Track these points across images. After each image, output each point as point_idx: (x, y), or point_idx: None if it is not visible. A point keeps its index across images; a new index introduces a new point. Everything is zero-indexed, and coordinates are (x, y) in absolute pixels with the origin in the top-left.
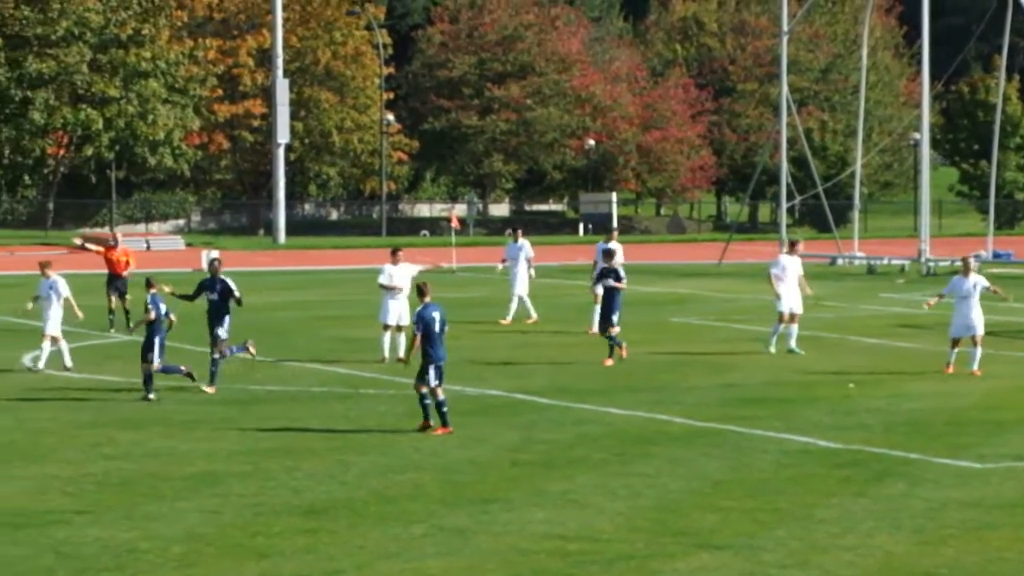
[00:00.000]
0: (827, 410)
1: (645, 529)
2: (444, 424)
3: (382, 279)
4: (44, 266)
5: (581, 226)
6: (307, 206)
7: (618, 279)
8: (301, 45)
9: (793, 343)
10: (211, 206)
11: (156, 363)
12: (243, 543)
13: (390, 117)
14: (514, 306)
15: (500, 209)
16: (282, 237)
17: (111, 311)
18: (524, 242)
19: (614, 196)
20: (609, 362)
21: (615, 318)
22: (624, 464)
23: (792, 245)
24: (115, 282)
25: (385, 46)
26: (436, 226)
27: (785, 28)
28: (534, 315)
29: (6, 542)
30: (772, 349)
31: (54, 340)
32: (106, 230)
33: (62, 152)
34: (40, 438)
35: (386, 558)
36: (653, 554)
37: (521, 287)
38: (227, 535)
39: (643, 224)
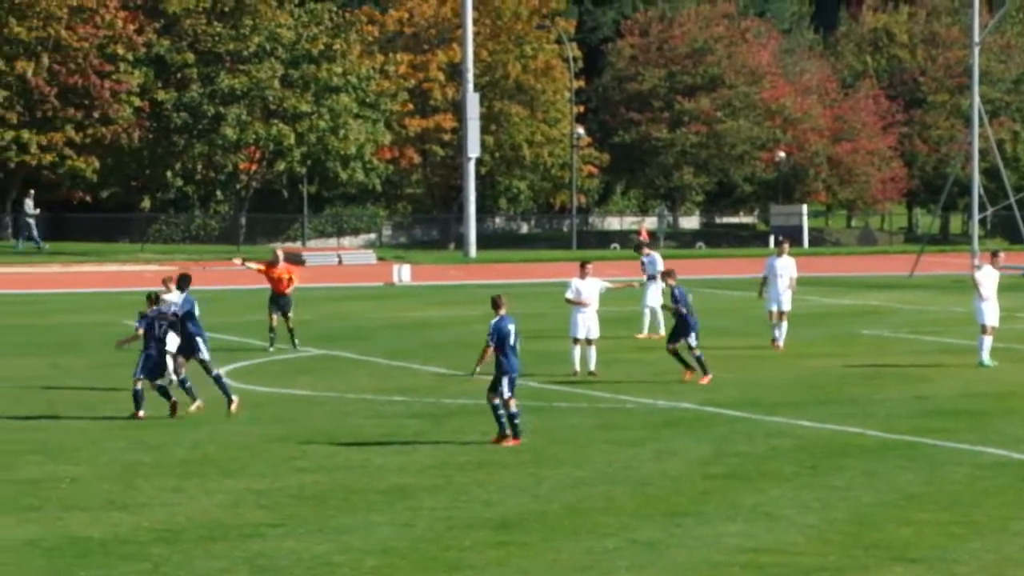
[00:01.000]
0: (1022, 423)
1: (838, 542)
2: (516, 436)
3: (569, 294)
4: (167, 282)
5: (771, 238)
6: (497, 220)
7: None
8: (491, 59)
9: (985, 356)
10: (402, 220)
11: (139, 382)
12: (436, 556)
13: (580, 130)
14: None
15: (690, 222)
16: (473, 251)
17: (272, 329)
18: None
19: (804, 208)
20: (704, 380)
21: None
22: (816, 477)
23: (994, 255)
24: (278, 300)
25: (575, 59)
26: (626, 239)
27: (976, 39)
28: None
29: (202, 555)
30: (988, 361)
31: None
32: (297, 244)
33: (254, 167)
34: (234, 452)
35: (579, 571)
36: (846, 567)
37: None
38: (420, 548)
39: (834, 236)
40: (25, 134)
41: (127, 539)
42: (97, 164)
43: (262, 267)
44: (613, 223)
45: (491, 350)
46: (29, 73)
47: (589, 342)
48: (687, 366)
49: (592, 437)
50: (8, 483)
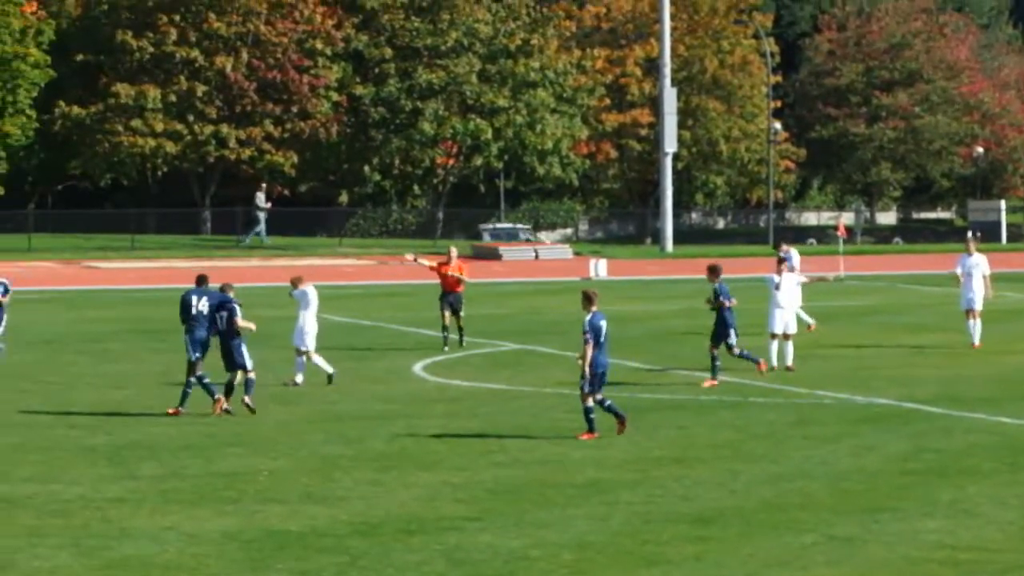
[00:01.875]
0: None
1: None
2: (591, 430)
3: (776, 293)
4: (296, 281)
5: (969, 234)
6: (694, 215)
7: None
8: (688, 54)
9: None
10: (598, 215)
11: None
12: (632, 551)
13: (777, 125)
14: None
15: (887, 218)
16: (669, 246)
17: (444, 327)
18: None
19: (1003, 204)
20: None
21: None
22: (1015, 474)
23: None
24: (448, 297)
25: (772, 54)
26: (823, 235)
27: None
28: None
29: (400, 548)
30: None
31: (305, 353)
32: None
33: (451, 162)
34: (431, 446)
35: (776, 567)
36: None
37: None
38: (616, 543)
39: None
40: (224, 129)
41: (324, 532)
42: (295, 159)
43: (434, 264)
44: (810, 218)
45: (591, 346)
46: (228, 68)
47: (787, 337)
48: (714, 373)
49: (789, 433)
50: (207, 476)
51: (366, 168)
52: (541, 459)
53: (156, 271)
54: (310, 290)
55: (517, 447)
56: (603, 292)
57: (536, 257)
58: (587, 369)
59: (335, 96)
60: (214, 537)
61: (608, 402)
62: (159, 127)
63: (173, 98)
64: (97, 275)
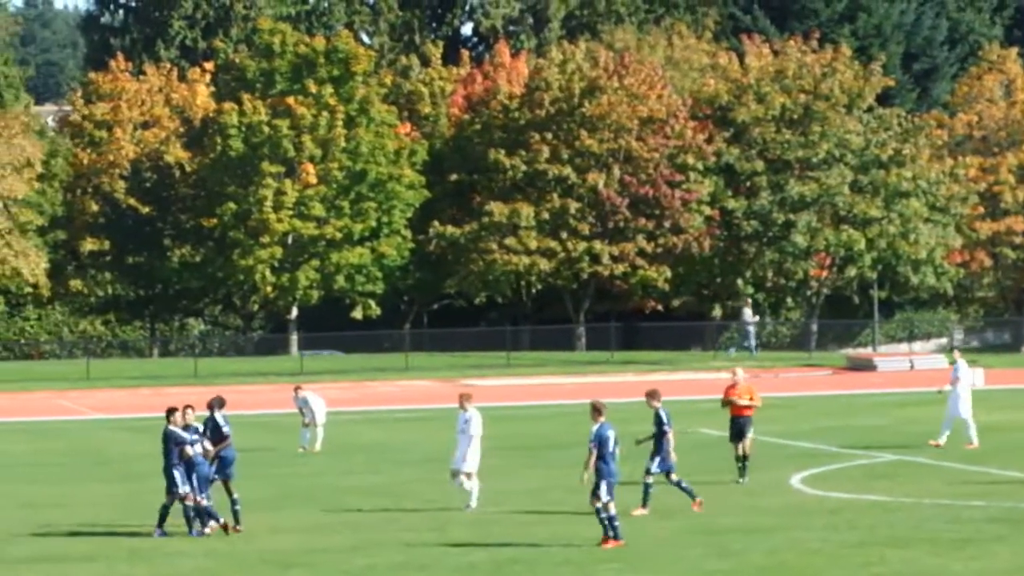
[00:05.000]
0: None
1: None
2: (615, 537)
3: None
4: (464, 399)
5: None
6: None
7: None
8: None
9: None
10: (973, 324)
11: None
12: None
13: None
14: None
15: None
16: None
17: (737, 458)
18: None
19: None
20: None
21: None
22: None
23: None
24: (736, 422)
25: None
26: None
27: None
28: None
29: None
30: None
31: (468, 476)
32: (868, 350)
33: (824, 274)
34: (810, 559)
35: None
36: None
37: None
38: None
39: None
40: (597, 245)
41: None
42: (668, 273)
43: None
44: None
45: (595, 456)
46: (601, 185)
47: None
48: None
49: None
50: None
51: (739, 281)
52: (921, 571)
53: (532, 388)
54: (474, 413)
55: (897, 559)
56: (979, 402)
57: (911, 367)
58: (585, 476)
59: (707, 210)
60: None
61: (612, 514)
62: (533, 244)
63: (546, 215)
64: (473, 392)
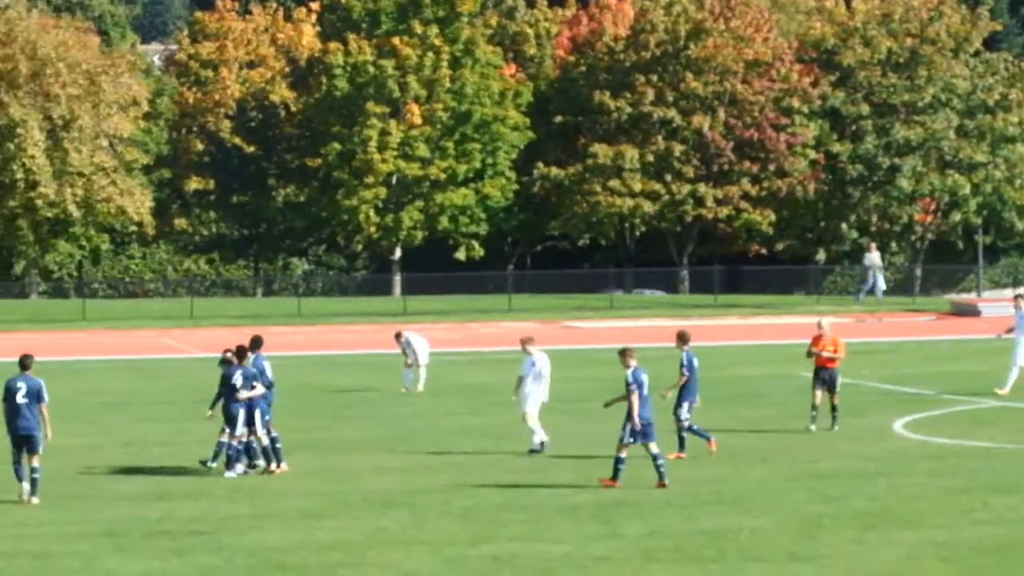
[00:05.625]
0: None
1: None
2: (614, 478)
3: None
4: (526, 342)
5: None
6: None
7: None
8: None
9: None
10: None
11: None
12: None
13: None
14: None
15: None
16: None
17: (814, 407)
18: None
19: None
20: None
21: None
22: None
23: None
24: (820, 374)
25: None
26: None
27: None
28: None
29: None
30: None
31: (529, 417)
32: (972, 295)
33: (929, 218)
34: (913, 504)
35: None
36: None
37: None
38: None
39: None
40: (701, 188)
41: None
42: (772, 217)
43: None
44: None
45: (636, 396)
46: (705, 127)
47: None
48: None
49: None
50: (689, 534)
51: (843, 226)
52: None
53: (634, 330)
54: (539, 356)
55: (1002, 505)
56: None
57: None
58: (636, 420)
59: (812, 154)
60: None
61: (655, 452)
62: (637, 187)
63: (650, 158)
64: (576, 335)
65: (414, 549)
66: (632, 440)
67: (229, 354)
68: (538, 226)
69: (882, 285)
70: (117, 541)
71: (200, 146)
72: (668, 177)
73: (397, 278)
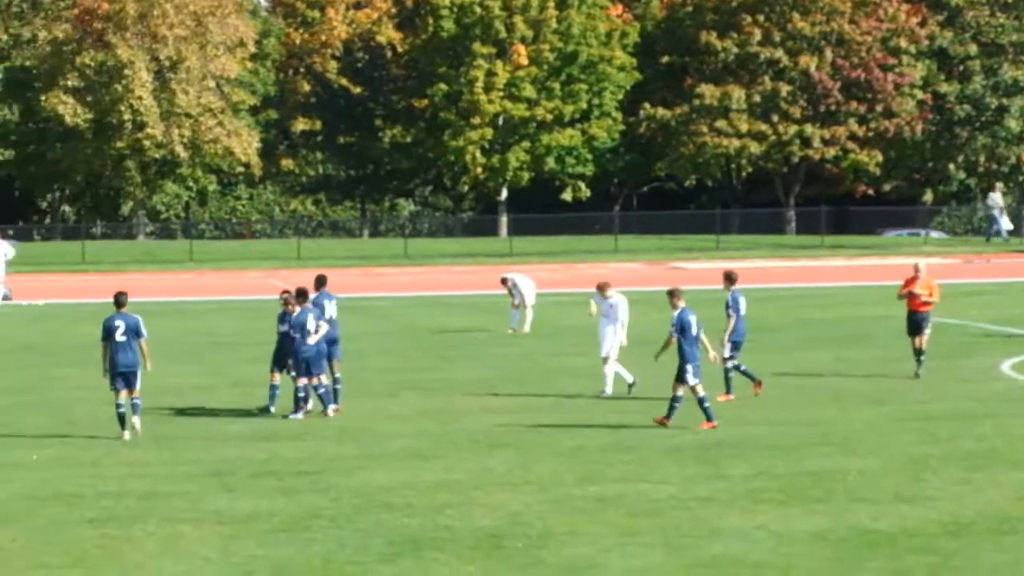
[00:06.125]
0: None
1: None
2: (708, 419)
3: None
4: (603, 287)
5: None
6: None
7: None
8: None
9: None
10: None
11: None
12: None
13: None
14: None
15: None
16: None
17: (916, 351)
18: None
19: None
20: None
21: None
22: None
23: None
24: (913, 317)
25: None
26: None
27: None
28: None
29: (991, 548)
30: None
31: (605, 361)
32: None
33: None
34: (1020, 445)
35: None
36: None
37: None
38: None
39: None
40: (808, 128)
41: (914, 532)
42: (879, 157)
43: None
44: None
45: (675, 339)
46: (812, 68)
47: None
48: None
49: None
50: (795, 475)
51: (951, 166)
52: None
53: (741, 271)
54: (619, 299)
55: None
56: None
57: None
58: (660, 357)
59: (919, 94)
60: (803, 536)
61: (701, 395)
62: (743, 128)
63: (757, 98)
64: (682, 276)
65: (520, 489)
66: (698, 380)
67: (287, 296)
68: (644, 167)
69: (1007, 225)
70: (224, 481)
71: (307, 87)
72: (775, 118)
73: (503, 219)
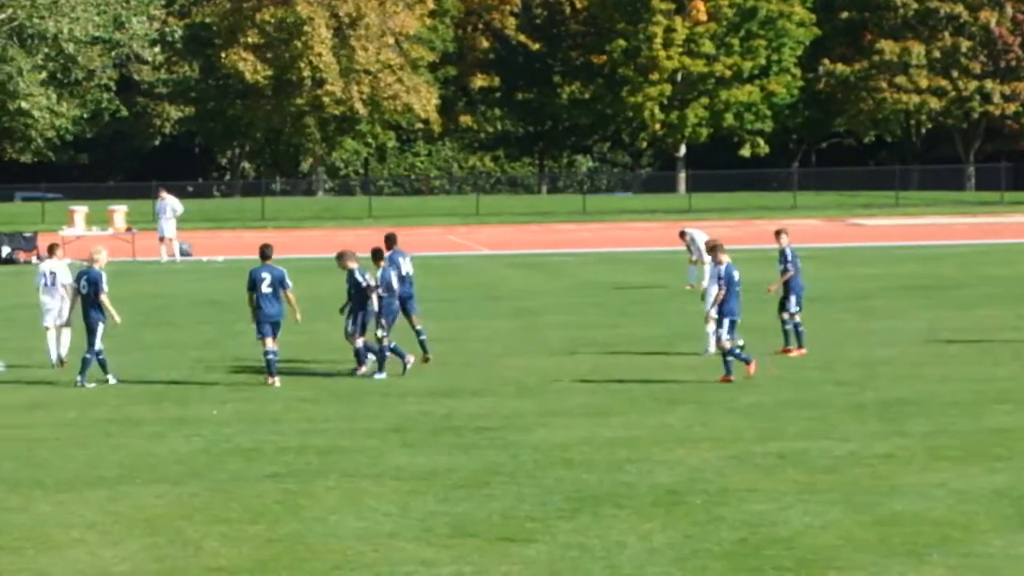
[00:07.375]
0: None
1: None
2: (748, 361)
3: None
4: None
5: None
6: None
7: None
8: None
9: None
10: None
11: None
12: None
13: None
14: None
15: None
16: None
17: None
18: None
19: None
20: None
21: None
22: None
23: None
24: None
25: None
26: None
27: None
28: None
29: None
30: None
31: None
32: None
33: None
34: None
35: None
36: None
37: None
38: None
39: None
40: (989, 83)
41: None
42: None
43: None
44: None
45: (724, 292)
46: (993, 23)
47: None
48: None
49: None
50: (976, 432)
51: None
52: None
53: (919, 228)
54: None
55: None
56: None
57: None
58: (713, 311)
59: None
60: (984, 494)
61: (728, 347)
62: (923, 83)
63: (937, 54)
64: (861, 232)
65: (700, 446)
66: (731, 336)
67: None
68: (823, 123)
69: None
70: (404, 437)
71: (485, 43)
72: (955, 73)
73: (682, 175)
